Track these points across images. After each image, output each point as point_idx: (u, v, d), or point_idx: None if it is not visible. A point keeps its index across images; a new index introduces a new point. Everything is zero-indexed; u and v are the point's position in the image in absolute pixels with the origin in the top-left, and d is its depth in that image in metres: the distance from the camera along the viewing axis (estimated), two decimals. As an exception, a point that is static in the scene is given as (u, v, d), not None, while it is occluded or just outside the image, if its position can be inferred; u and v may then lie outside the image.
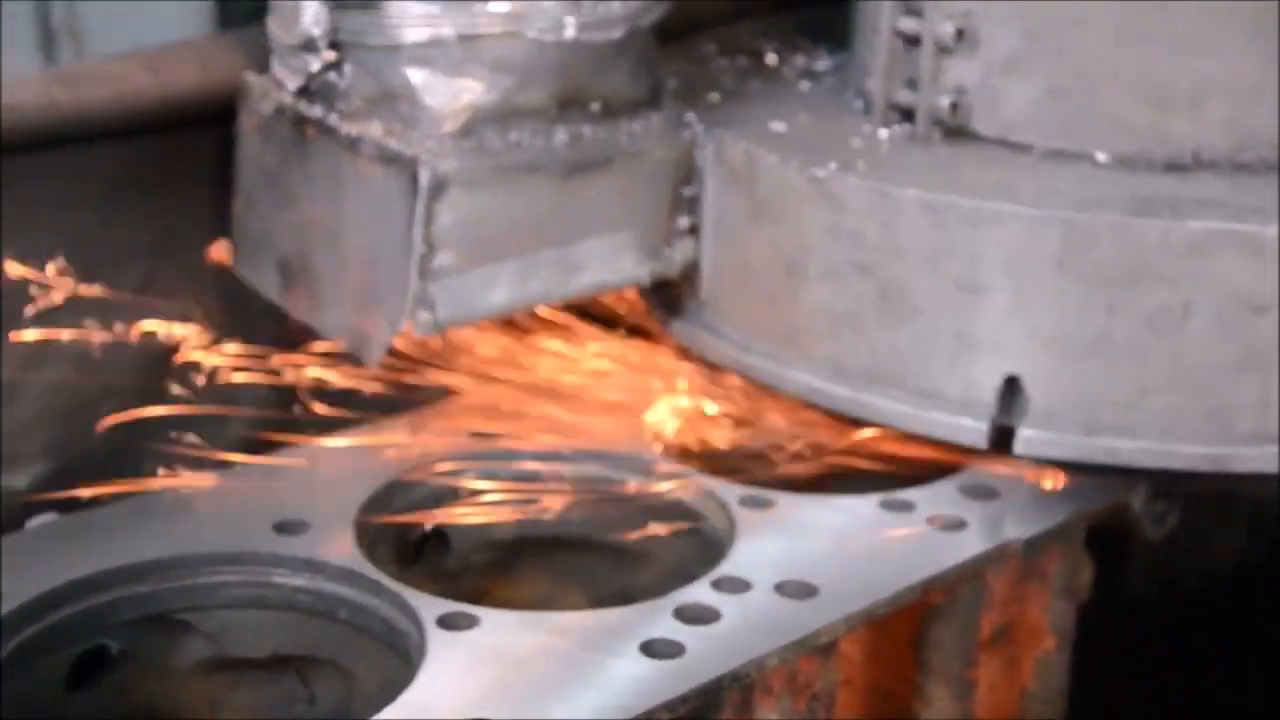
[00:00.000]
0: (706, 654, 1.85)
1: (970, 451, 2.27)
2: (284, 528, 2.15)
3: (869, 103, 2.49)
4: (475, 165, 2.24)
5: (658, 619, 1.92)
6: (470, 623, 1.92)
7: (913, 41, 2.37)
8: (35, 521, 2.19)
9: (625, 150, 2.36)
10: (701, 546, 2.21)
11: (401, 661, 1.98)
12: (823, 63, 2.75)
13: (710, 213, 2.43)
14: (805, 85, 2.67)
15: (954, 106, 2.37)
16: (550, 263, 2.34)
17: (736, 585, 1.97)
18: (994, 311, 2.19)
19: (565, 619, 1.95)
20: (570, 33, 2.25)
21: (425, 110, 2.26)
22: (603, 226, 2.38)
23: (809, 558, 2.05)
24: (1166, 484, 2.26)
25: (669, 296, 2.52)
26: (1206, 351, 2.14)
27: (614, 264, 2.41)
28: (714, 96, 2.55)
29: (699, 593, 1.96)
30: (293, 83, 2.35)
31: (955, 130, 2.38)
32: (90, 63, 2.62)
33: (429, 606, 1.96)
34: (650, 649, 1.85)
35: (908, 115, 2.42)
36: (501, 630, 1.90)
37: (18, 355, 2.35)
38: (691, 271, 2.46)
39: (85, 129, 2.38)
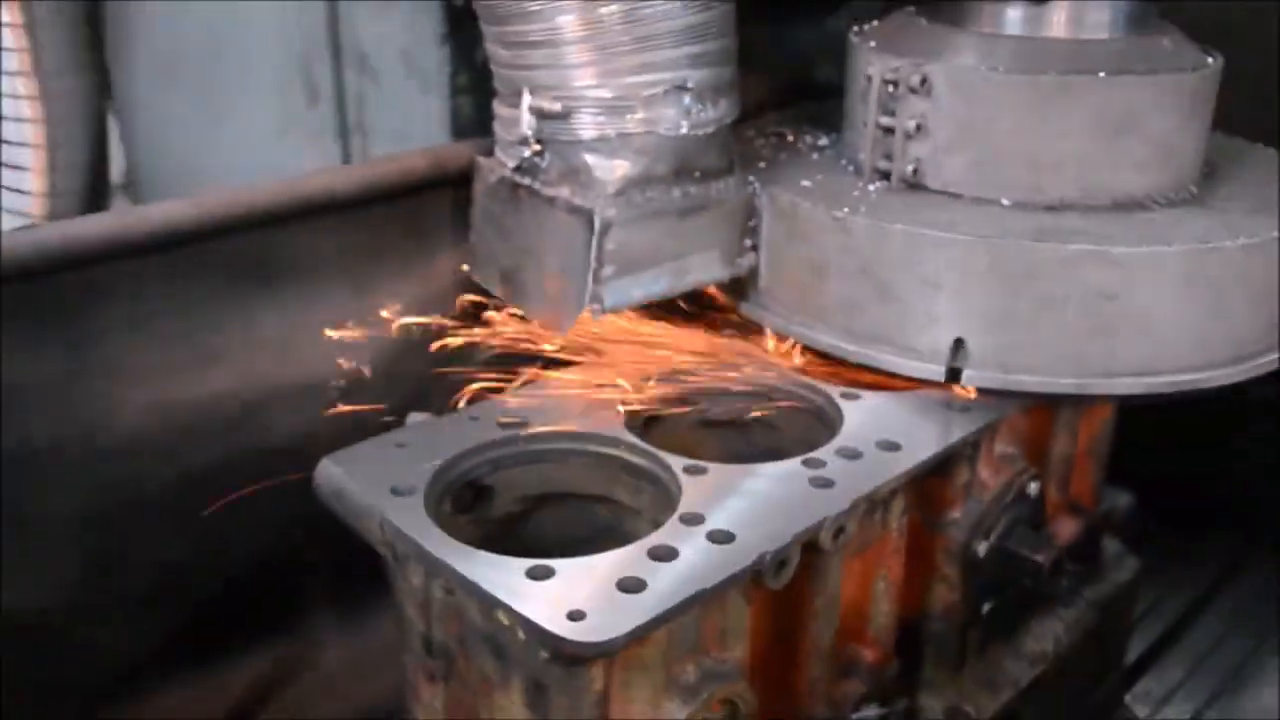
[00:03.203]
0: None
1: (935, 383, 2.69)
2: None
3: (859, 168, 2.98)
4: (626, 213, 2.68)
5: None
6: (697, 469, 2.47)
7: (889, 131, 2.88)
8: (412, 417, 2.63)
9: (715, 200, 2.81)
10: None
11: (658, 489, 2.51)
12: (823, 140, 3.24)
13: (764, 236, 2.89)
14: (815, 156, 3.14)
15: (915, 171, 2.86)
16: (670, 270, 2.79)
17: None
18: (947, 299, 2.66)
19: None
20: (684, 130, 2.71)
21: (596, 180, 2.71)
22: (701, 247, 2.83)
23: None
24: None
25: (738, 288, 2.96)
26: (1075, 322, 2.61)
27: (708, 269, 2.86)
28: (761, 165, 3.02)
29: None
30: (511, 163, 2.81)
31: (915, 185, 2.87)
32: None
33: (677, 462, 2.48)
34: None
35: (885, 176, 2.90)
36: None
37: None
38: (753, 273, 2.93)
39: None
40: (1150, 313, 2.68)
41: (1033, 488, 2.86)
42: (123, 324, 2.65)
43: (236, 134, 3.62)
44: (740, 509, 2.34)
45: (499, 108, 2.91)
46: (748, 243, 2.96)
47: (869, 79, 2.95)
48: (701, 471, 2.46)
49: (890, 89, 2.92)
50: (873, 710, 2.61)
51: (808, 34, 3.84)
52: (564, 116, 2.72)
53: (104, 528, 2.75)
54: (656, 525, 2.34)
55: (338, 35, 3.40)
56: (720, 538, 2.25)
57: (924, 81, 2.87)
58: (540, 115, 2.75)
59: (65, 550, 2.73)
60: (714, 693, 2.24)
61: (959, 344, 2.72)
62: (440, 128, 3.29)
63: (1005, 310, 2.68)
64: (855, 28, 3.14)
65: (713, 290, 3.04)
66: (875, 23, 3.17)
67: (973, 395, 2.75)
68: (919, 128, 2.87)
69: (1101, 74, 2.80)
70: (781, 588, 2.28)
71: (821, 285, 2.85)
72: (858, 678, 2.64)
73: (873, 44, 3.02)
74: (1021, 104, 2.80)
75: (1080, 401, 2.90)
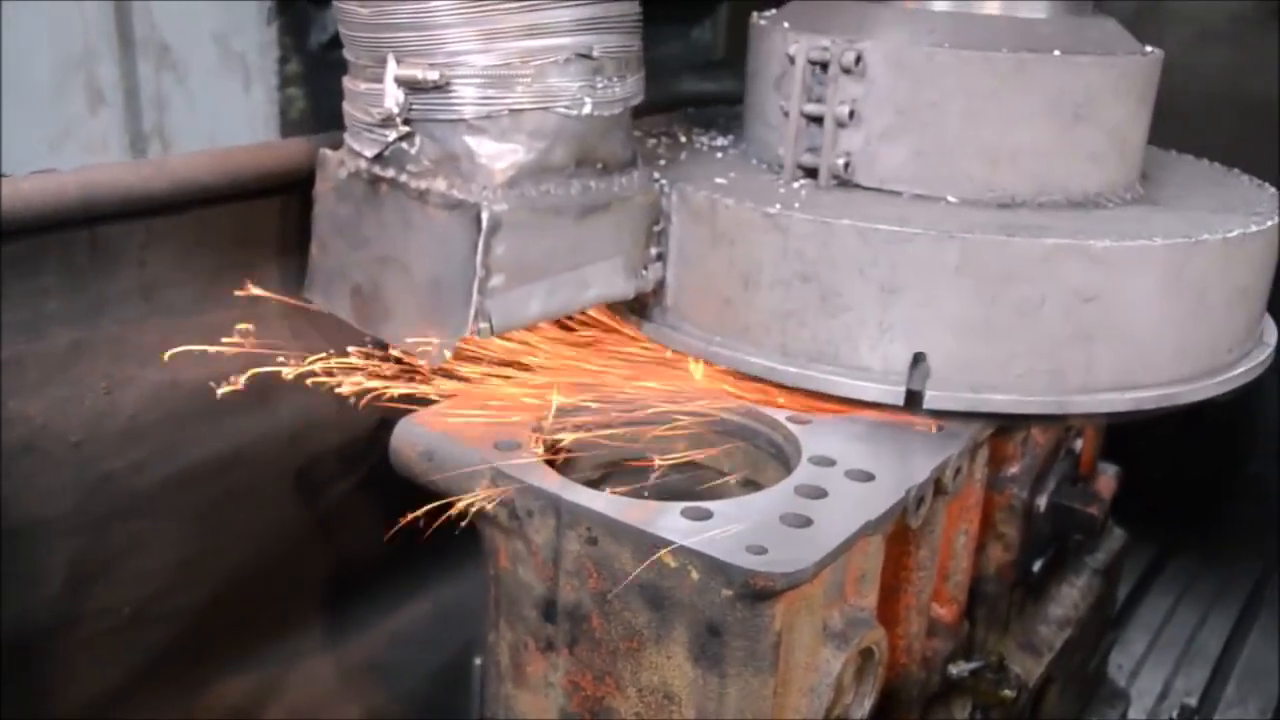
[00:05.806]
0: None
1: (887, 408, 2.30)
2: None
3: (773, 165, 2.54)
4: (519, 208, 2.20)
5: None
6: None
7: (816, 120, 2.45)
8: None
9: (618, 197, 2.34)
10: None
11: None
12: (719, 140, 2.80)
13: (675, 243, 2.43)
14: (719, 155, 2.69)
15: (845, 165, 2.45)
16: (568, 282, 2.32)
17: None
18: (907, 305, 2.24)
19: None
20: (588, 109, 2.24)
21: (481, 168, 2.20)
22: (604, 254, 2.36)
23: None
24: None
25: (638, 305, 2.50)
26: (1052, 329, 2.25)
27: (611, 282, 2.39)
28: (661, 162, 2.59)
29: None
30: (370, 151, 2.28)
31: (844, 182, 2.46)
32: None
33: (779, 414, 2.36)
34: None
35: (810, 173, 2.48)
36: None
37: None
38: (659, 287, 2.46)
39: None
40: (1133, 316, 2.31)
41: (1077, 444, 2.73)
42: None
43: (-4, 151, 2.83)
44: (863, 451, 2.24)
45: (353, 83, 2.30)
46: (653, 251, 2.47)
47: (790, 60, 2.46)
48: (806, 421, 2.34)
49: (817, 71, 2.44)
50: (965, 665, 2.56)
51: (673, 45, 3.32)
52: (441, 88, 2.18)
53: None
54: (749, 484, 2.30)
55: (129, 24, 2.68)
56: (860, 476, 2.17)
57: (858, 60, 2.39)
58: (411, 87, 2.20)
59: None
60: (861, 639, 2.14)
61: (919, 360, 2.29)
62: (265, 127, 2.64)
63: (974, 317, 2.27)
64: (756, 14, 2.67)
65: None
66: (773, 11, 2.69)
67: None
68: (852, 114, 2.44)
69: (1057, 53, 2.39)
70: (917, 526, 2.24)
71: (750, 297, 2.38)
72: (940, 636, 2.56)
73: (786, 25, 2.53)
74: (973, 86, 2.38)
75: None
